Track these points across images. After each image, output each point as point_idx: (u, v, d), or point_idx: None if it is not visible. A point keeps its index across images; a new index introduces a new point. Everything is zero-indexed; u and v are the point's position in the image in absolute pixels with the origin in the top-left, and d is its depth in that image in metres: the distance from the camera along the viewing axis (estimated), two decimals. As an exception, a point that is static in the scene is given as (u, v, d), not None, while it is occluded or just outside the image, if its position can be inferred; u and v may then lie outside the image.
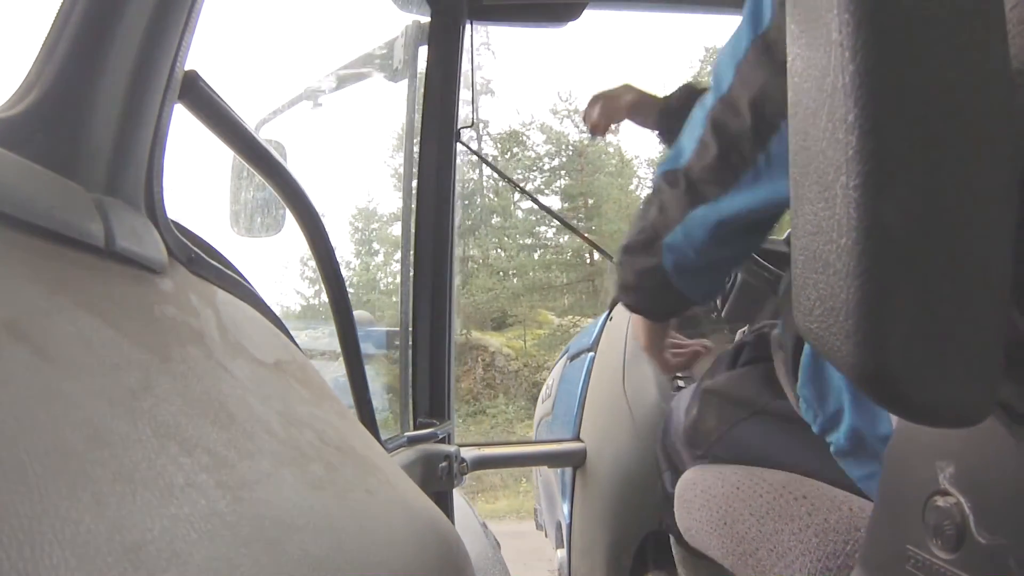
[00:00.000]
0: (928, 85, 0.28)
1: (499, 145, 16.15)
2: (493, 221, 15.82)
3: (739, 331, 1.16)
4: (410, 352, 1.41)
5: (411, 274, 1.42)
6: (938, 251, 0.28)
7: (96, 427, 0.27)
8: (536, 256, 15.58)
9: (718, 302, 1.14)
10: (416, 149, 1.41)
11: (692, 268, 0.70)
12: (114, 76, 0.41)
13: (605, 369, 1.64)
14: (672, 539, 1.07)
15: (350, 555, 0.38)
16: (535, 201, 1.97)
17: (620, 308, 1.66)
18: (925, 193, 0.28)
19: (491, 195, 15.84)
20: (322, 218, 0.73)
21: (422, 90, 1.41)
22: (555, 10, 1.46)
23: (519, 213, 15.67)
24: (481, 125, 15.70)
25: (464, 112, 1.44)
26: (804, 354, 0.64)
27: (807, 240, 0.31)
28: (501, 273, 15.16)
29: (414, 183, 1.42)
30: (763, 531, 0.60)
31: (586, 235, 1.87)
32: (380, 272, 15.42)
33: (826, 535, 0.53)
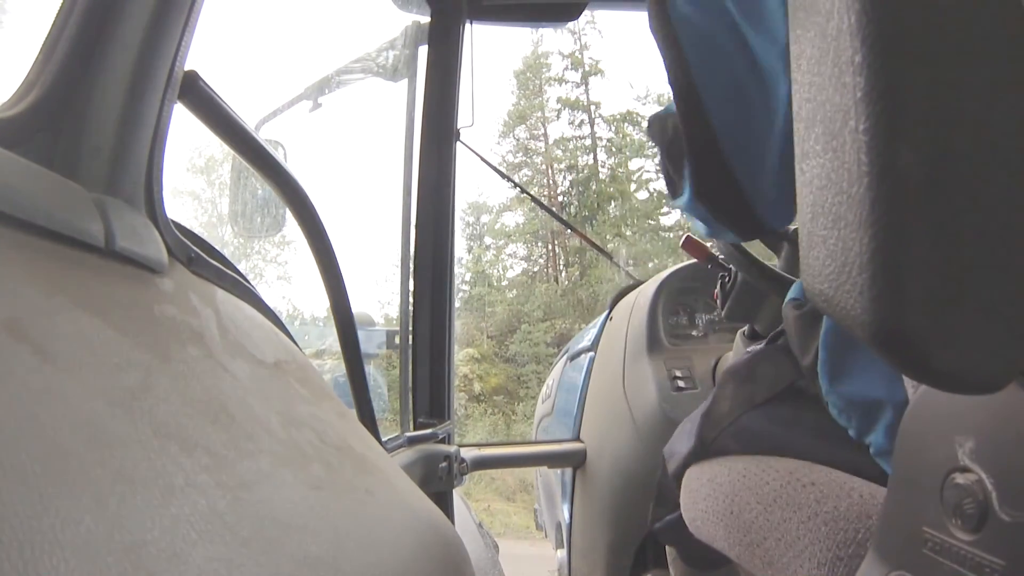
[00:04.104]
0: (939, 18, 0.25)
1: (612, 127, 15.53)
2: (610, 209, 15.09)
3: (739, 331, 1.16)
4: (410, 352, 1.41)
5: (411, 274, 1.42)
6: (958, 195, 0.25)
7: (96, 427, 0.27)
8: (660, 243, 14.56)
9: (718, 302, 1.14)
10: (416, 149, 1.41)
11: None
12: (114, 76, 0.41)
13: (605, 369, 1.64)
14: (669, 553, 1.06)
15: (350, 555, 0.38)
16: (534, 199, 1.97)
17: (620, 308, 1.66)
18: (942, 131, 0.25)
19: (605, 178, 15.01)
20: (321, 217, 0.73)
21: (422, 90, 1.41)
22: (555, 10, 1.46)
23: (641, 194, 14.86)
24: (593, 108, 15.43)
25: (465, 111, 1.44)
26: (824, 352, 0.59)
27: (814, 196, 0.29)
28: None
29: (414, 183, 1.42)
30: (770, 520, 0.58)
31: (585, 234, 1.86)
32: (492, 267, 15.25)
33: (836, 523, 0.51)
